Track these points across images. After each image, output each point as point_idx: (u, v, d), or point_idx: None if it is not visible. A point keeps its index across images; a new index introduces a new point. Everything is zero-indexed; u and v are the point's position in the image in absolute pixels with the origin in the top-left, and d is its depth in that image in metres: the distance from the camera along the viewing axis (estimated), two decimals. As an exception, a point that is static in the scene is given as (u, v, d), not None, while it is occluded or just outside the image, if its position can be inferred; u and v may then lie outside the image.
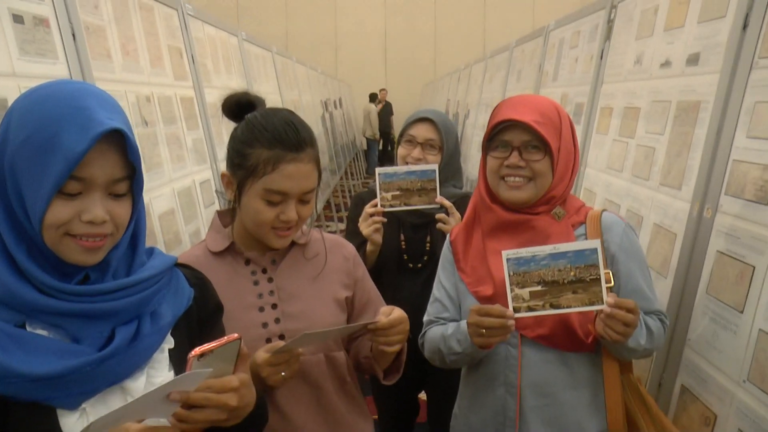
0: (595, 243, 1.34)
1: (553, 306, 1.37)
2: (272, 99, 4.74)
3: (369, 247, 2.05)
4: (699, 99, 1.76)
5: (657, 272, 1.80)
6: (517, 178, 1.50)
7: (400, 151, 2.22)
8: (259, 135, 1.34)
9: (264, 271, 1.45)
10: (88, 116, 0.90)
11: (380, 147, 14.84)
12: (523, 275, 1.37)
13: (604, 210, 1.58)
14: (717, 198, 1.58)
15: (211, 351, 0.91)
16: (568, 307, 1.36)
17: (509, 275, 1.37)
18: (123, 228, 0.99)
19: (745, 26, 1.57)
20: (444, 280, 1.68)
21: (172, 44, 2.54)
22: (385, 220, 2.03)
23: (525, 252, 1.37)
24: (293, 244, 1.48)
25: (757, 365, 1.36)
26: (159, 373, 1.04)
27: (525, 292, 1.37)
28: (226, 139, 3.05)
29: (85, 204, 0.93)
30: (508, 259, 1.37)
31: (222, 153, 2.89)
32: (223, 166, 2.82)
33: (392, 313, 1.35)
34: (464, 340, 1.50)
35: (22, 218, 0.93)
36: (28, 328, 0.94)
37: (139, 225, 1.05)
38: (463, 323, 1.51)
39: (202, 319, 1.16)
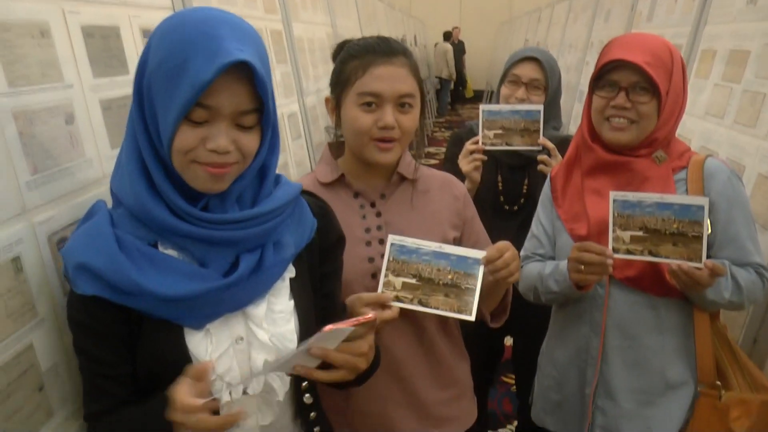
0: (703, 200, 1.32)
1: (651, 253, 1.37)
2: (354, 35, 4.70)
3: (467, 185, 2.01)
4: (823, 42, 1.64)
5: (760, 225, 1.73)
6: (621, 120, 1.47)
7: (503, 90, 2.15)
8: (353, 51, 1.37)
9: (372, 205, 1.45)
10: (217, 45, 0.89)
11: (452, 87, 14.58)
12: (626, 218, 1.38)
13: (708, 156, 1.52)
14: (837, 149, 1.49)
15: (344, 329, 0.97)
16: (666, 257, 1.36)
17: (613, 215, 1.39)
18: (249, 158, 0.99)
19: None
20: (542, 217, 1.69)
21: (263, -24, 2.53)
22: (485, 158, 2.00)
23: (632, 196, 1.38)
24: (403, 179, 1.47)
25: None
26: (279, 300, 1.08)
27: (626, 235, 1.38)
28: (312, 73, 3.08)
29: (210, 132, 0.93)
30: (614, 200, 1.39)
31: (308, 87, 2.92)
32: (309, 100, 2.86)
33: (502, 248, 1.32)
34: (562, 280, 1.52)
35: (155, 140, 0.96)
36: (160, 248, 0.99)
37: (270, 158, 1.05)
38: (563, 263, 1.53)
39: (323, 249, 1.17)
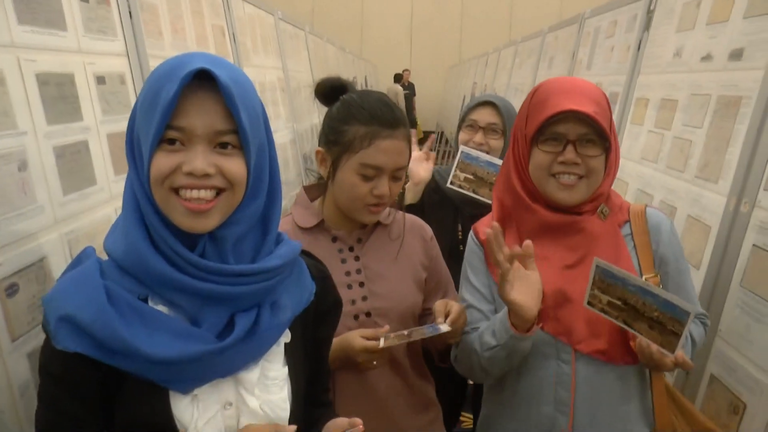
0: (692, 308, 1.20)
1: (626, 323, 1.29)
2: (304, 78, 4.78)
3: (411, 184, 2.10)
4: (741, 94, 1.77)
5: (693, 265, 1.83)
6: (570, 176, 1.34)
7: (462, 136, 2.15)
8: (356, 113, 1.40)
9: (351, 249, 1.50)
10: (184, 67, 0.87)
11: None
12: (607, 285, 1.28)
13: (646, 206, 1.49)
14: (755, 193, 1.61)
15: None
16: (639, 332, 1.27)
17: (594, 277, 1.29)
18: (239, 186, 0.93)
19: (792, 24, 1.59)
20: (476, 282, 1.50)
21: (216, 23, 2.59)
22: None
23: (617, 271, 1.26)
24: (378, 223, 1.53)
25: (789, 358, 1.40)
26: (273, 366, 1.02)
27: (604, 298, 1.31)
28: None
29: (187, 156, 0.89)
30: (597, 266, 1.28)
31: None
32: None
33: (452, 312, 1.41)
34: (502, 329, 1.34)
35: (146, 185, 0.91)
36: (150, 303, 0.92)
37: (272, 209, 1.01)
38: (501, 313, 1.37)
39: (319, 314, 1.13)
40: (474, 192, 2.02)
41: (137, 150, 0.93)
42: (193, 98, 0.88)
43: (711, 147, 1.89)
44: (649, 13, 2.66)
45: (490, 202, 1.93)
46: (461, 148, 2.03)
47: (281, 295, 1.02)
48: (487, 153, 2.06)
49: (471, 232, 1.55)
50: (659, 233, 1.42)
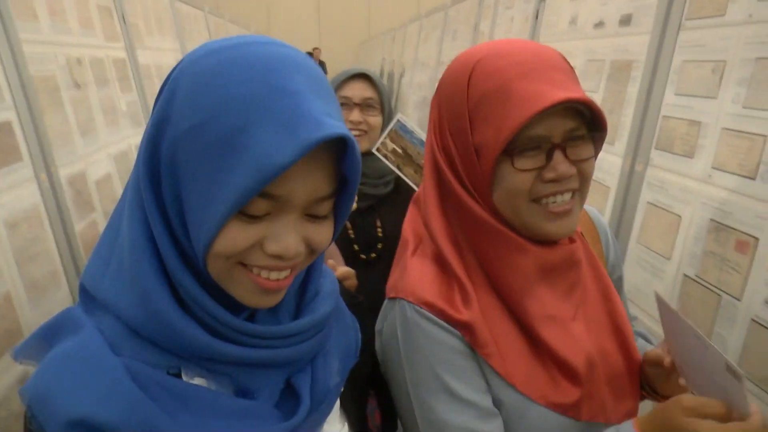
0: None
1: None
2: (205, 60, 4.62)
3: None
4: (631, 58, 1.83)
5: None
6: (564, 197, 0.91)
7: None
8: None
9: None
10: (295, 108, 0.61)
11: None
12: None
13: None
14: (648, 152, 1.67)
15: None
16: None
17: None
18: (318, 254, 0.73)
19: (673, -13, 1.64)
20: (464, 392, 0.92)
21: (102, 4, 2.43)
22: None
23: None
24: None
25: (682, 308, 1.46)
26: (332, 428, 0.83)
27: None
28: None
29: (272, 229, 0.66)
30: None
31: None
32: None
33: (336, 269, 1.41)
34: None
35: (178, 231, 0.66)
36: (184, 378, 0.69)
37: None
38: None
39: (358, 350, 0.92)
40: (398, 168, 1.79)
41: (169, 183, 0.66)
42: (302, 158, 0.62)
43: (607, 110, 1.95)
44: (544, -18, 2.71)
45: (411, 182, 1.76)
46: (398, 116, 1.78)
47: (328, 339, 0.81)
48: (366, 133, 1.83)
49: (422, 310, 0.93)
50: (607, 237, 1.15)
